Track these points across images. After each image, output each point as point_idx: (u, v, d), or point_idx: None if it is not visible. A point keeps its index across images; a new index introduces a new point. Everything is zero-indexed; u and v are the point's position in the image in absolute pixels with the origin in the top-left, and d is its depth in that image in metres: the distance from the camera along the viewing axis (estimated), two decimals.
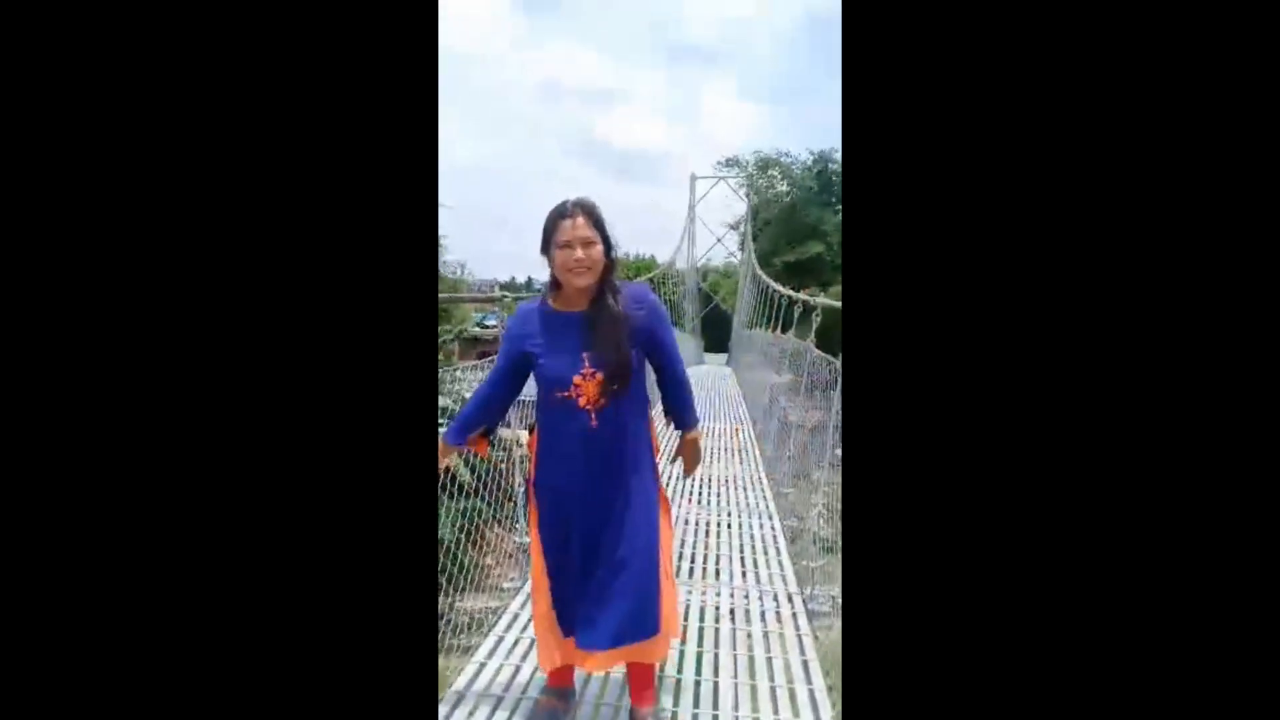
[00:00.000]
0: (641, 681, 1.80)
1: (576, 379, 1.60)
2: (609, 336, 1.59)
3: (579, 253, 1.55)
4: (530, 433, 1.75)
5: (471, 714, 1.92)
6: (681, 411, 1.81)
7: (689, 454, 1.86)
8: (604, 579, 1.67)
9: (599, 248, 1.58)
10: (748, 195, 23.89)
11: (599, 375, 1.59)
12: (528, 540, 3.16)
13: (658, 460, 1.79)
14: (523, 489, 3.30)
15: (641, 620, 1.68)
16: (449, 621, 2.90)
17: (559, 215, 1.58)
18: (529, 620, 2.51)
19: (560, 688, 1.88)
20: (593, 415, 1.62)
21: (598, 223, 1.58)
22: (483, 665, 2.18)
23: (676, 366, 1.75)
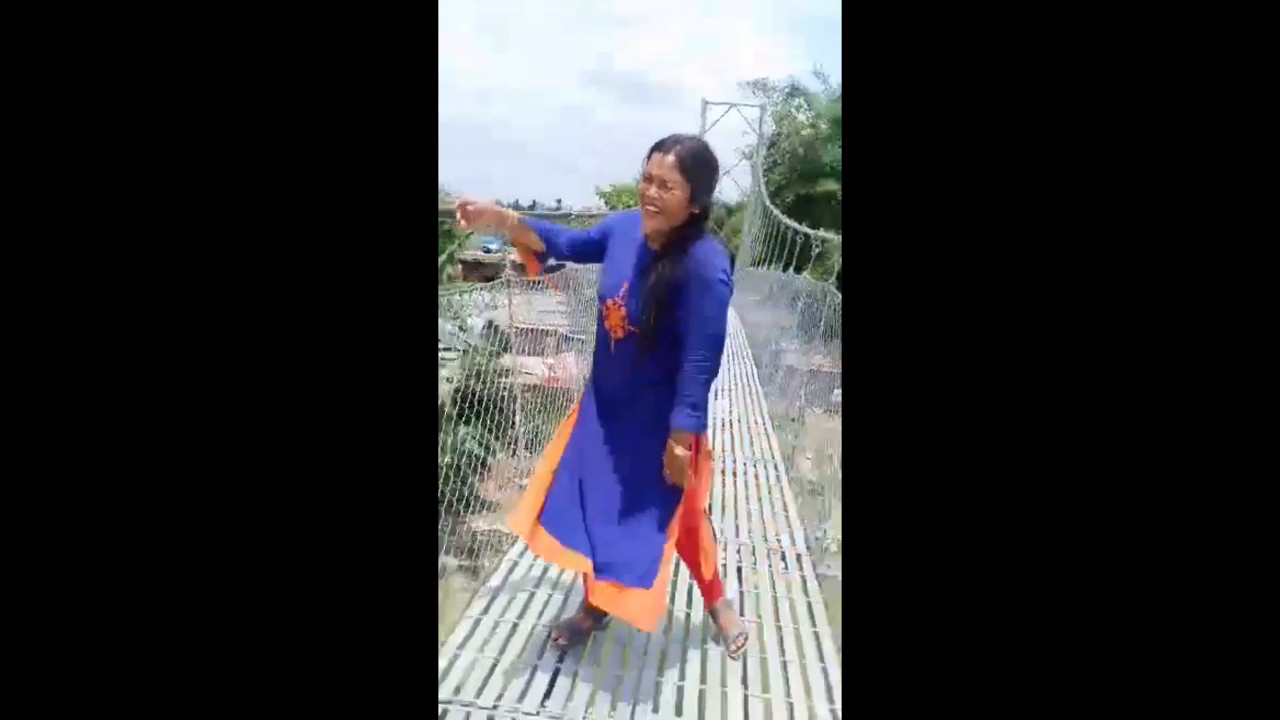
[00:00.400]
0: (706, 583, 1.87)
1: (609, 301, 1.56)
2: (652, 289, 1.49)
3: (653, 190, 1.45)
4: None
5: (486, 641, 1.80)
6: (680, 404, 1.51)
7: (669, 461, 1.56)
8: (598, 513, 1.62)
9: (677, 193, 1.45)
10: (761, 124, 22.93)
11: (624, 311, 1.53)
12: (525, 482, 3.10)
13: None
14: (516, 421, 3.23)
15: (627, 566, 1.59)
16: (451, 546, 2.84)
17: (656, 147, 1.47)
18: (535, 559, 2.40)
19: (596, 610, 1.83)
20: (612, 342, 1.58)
21: (687, 168, 1.45)
22: (492, 600, 2.06)
23: (698, 354, 1.49)
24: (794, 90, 22.84)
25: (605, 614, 1.82)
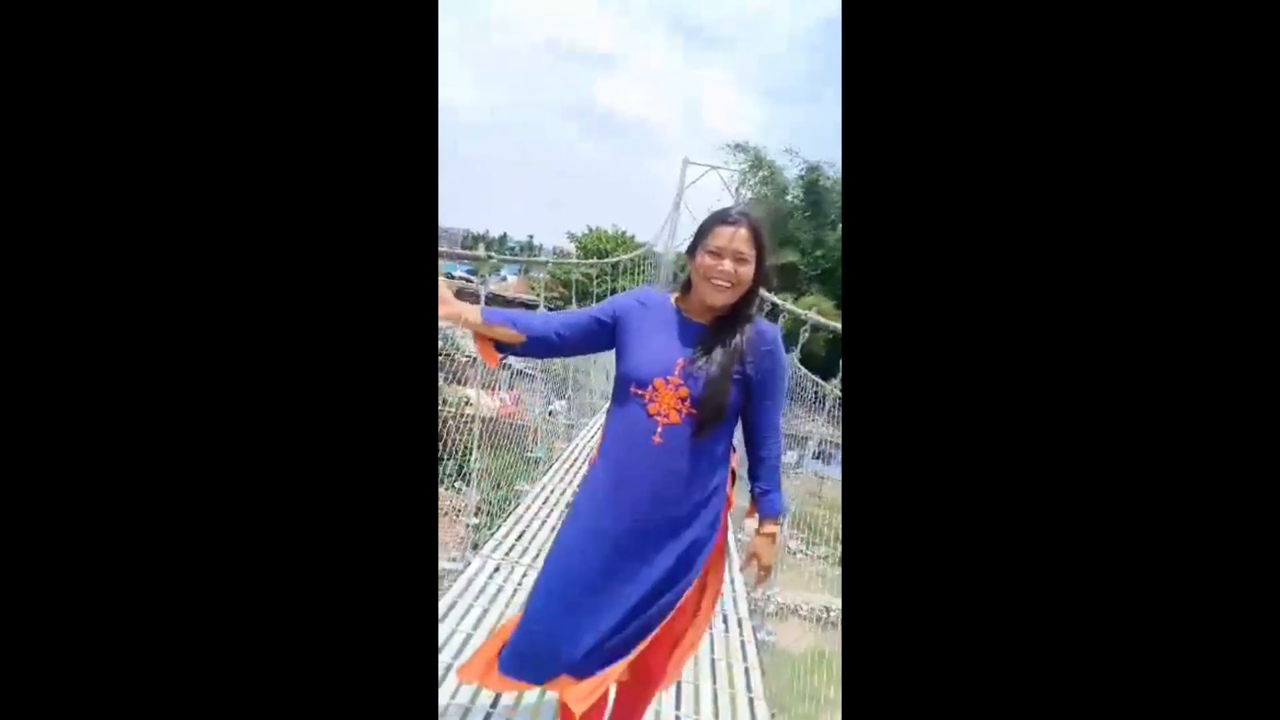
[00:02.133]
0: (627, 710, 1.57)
1: (658, 381, 1.38)
2: (716, 363, 1.38)
3: (727, 265, 1.36)
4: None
5: None
6: (768, 491, 1.46)
7: (764, 551, 1.48)
8: (587, 610, 1.40)
9: (750, 268, 1.38)
10: (738, 190, 23.60)
11: (684, 390, 1.38)
12: (474, 521, 3.03)
13: (721, 540, 1.48)
14: (471, 455, 3.12)
15: (592, 654, 1.39)
16: None
17: (720, 219, 1.38)
18: (465, 611, 2.33)
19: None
20: (658, 429, 1.38)
21: (759, 241, 1.38)
22: None
23: (774, 435, 1.46)
24: (758, 162, 23.54)
25: None
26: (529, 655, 1.41)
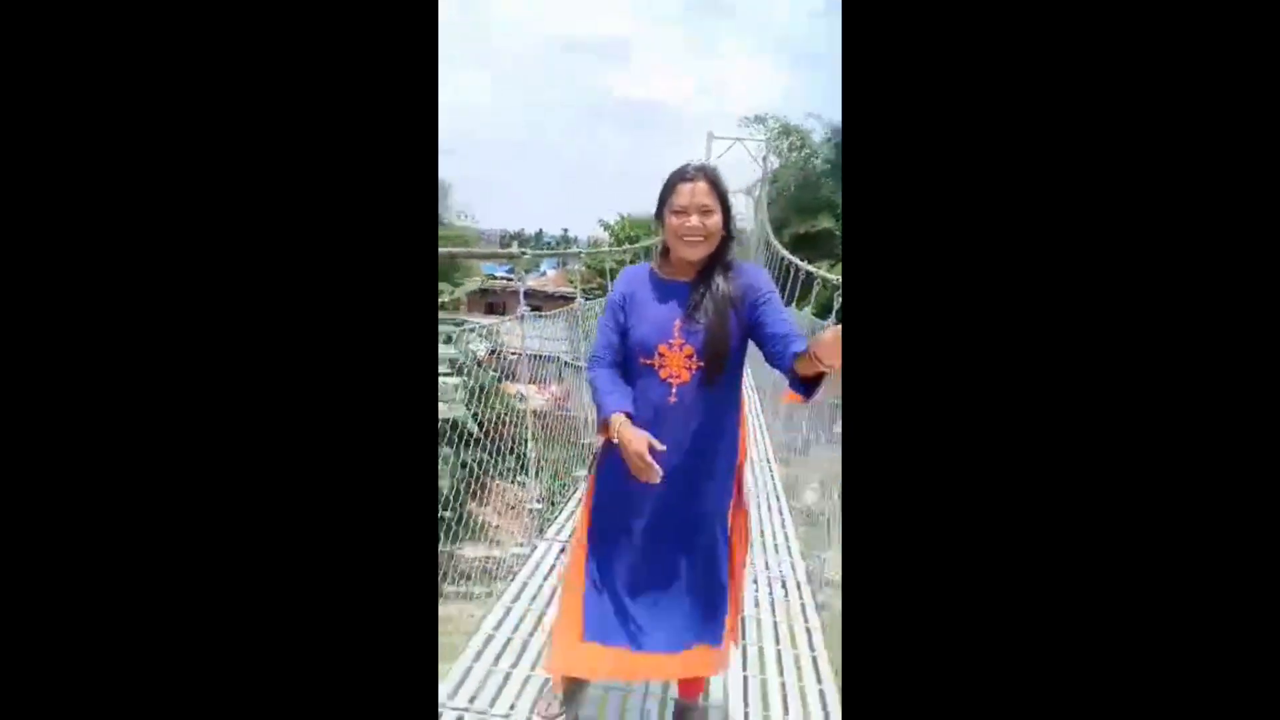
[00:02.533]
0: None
1: (662, 347, 1.48)
2: (709, 311, 1.46)
3: (694, 220, 1.44)
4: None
5: (476, 692, 1.86)
6: (792, 344, 1.38)
7: (829, 348, 1.21)
8: (661, 582, 1.54)
9: (717, 217, 1.45)
10: (765, 159, 23.32)
11: (688, 348, 1.47)
12: (538, 506, 3.16)
13: (741, 465, 1.60)
14: (528, 446, 3.24)
15: (700, 627, 1.55)
16: (448, 571, 2.87)
17: (679, 178, 1.46)
18: (535, 595, 2.46)
19: (571, 688, 1.70)
20: (672, 389, 1.47)
21: (720, 190, 1.46)
22: (490, 636, 2.12)
23: (798, 335, 1.40)
24: (785, 129, 23.26)
25: (584, 684, 1.72)
26: (611, 618, 1.53)
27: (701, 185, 1.44)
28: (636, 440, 1.38)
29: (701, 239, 1.45)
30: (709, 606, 1.56)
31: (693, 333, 1.47)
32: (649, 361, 1.49)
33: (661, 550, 1.53)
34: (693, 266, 1.50)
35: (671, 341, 1.47)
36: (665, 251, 1.53)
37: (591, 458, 1.63)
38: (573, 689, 1.70)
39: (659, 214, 1.49)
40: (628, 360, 1.52)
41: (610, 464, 1.53)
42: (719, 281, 1.48)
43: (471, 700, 1.80)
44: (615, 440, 1.43)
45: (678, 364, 1.48)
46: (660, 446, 1.37)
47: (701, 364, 1.47)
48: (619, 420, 1.43)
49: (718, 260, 1.50)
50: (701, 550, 1.56)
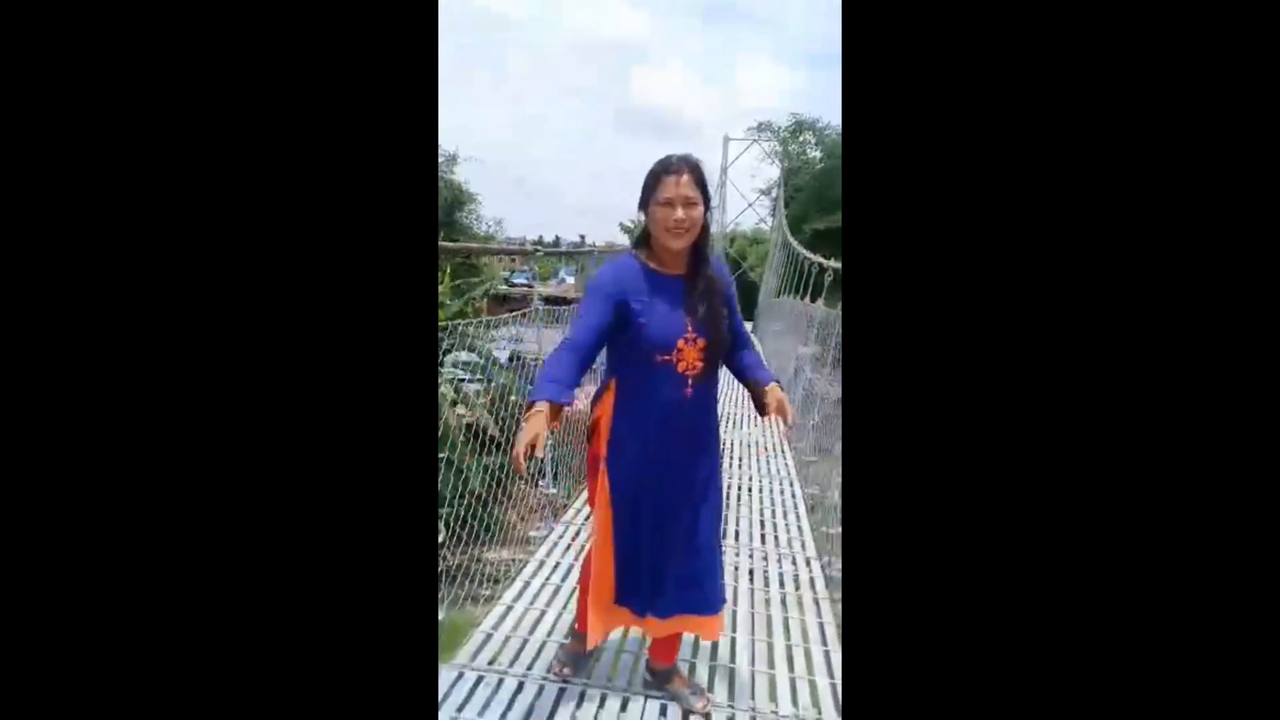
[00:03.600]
0: (668, 641, 1.80)
1: (680, 343, 1.54)
2: (711, 303, 1.56)
3: (679, 212, 1.49)
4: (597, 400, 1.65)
5: (496, 656, 2.00)
6: (760, 369, 1.68)
7: (781, 404, 1.61)
8: (678, 557, 1.64)
9: (700, 209, 1.51)
10: (780, 160, 23.40)
11: (701, 341, 1.55)
12: (553, 491, 3.29)
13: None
14: (546, 449, 3.36)
15: (707, 598, 1.68)
16: (476, 574, 2.99)
17: (663, 170, 1.51)
18: (555, 567, 2.60)
19: (580, 649, 1.89)
20: (689, 383, 1.56)
21: (701, 182, 1.52)
22: (509, 608, 2.26)
23: (748, 341, 1.74)
24: (800, 126, 23.36)
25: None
26: (637, 583, 1.66)
27: (686, 178, 1.49)
28: (523, 442, 1.31)
29: (687, 230, 1.51)
30: (713, 579, 1.69)
31: (703, 327, 1.56)
32: (666, 357, 1.54)
33: (680, 519, 1.64)
34: (680, 257, 1.57)
35: (687, 335, 1.55)
36: (645, 242, 1.57)
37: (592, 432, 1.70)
38: (583, 650, 1.87)
39: (643, 205, 1.54)
40: (639, 357, 1.55)
41: (617, 442, 1.61)
42: (709, 271, 1.59)
43: (470, 699, 1.91)
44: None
45: (693, 356, 1.55)
46: (540, 453, 1.36)
47: (714, 355, 1.58)
48: (537, 410, 1.36)
49: (701, 250, 1.58)
50: (711, 529, 1.68)
